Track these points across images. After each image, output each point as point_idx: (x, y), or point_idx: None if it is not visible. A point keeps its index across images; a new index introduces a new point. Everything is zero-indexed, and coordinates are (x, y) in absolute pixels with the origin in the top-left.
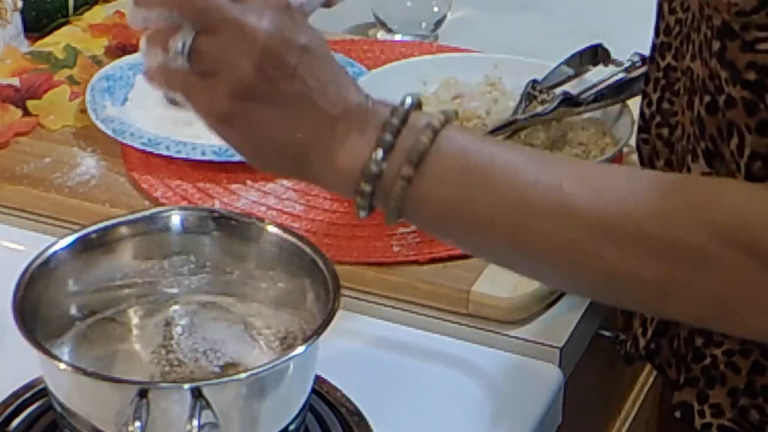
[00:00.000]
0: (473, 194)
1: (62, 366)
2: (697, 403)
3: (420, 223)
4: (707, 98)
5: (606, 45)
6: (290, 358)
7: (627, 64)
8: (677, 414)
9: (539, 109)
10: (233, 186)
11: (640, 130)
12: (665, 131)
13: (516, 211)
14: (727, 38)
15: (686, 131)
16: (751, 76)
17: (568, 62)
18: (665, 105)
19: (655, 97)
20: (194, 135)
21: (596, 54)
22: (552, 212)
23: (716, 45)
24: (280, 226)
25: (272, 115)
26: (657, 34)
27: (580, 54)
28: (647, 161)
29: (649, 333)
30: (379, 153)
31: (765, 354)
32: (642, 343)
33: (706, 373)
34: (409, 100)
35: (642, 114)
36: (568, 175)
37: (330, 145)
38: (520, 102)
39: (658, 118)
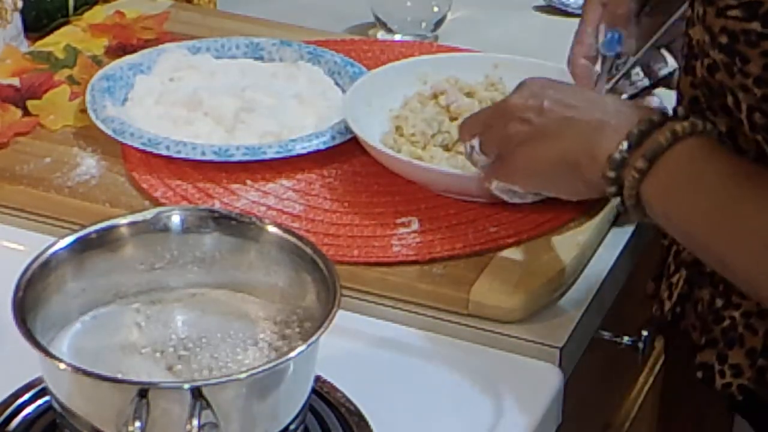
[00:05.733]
0: (684, 199)
1: (62, 366)
2: (718, 364)
3: (651, 216)
4: (707, 60)
5: None
6: (290, 358)
7: None
8: (699, 374)
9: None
10: (233, 186)
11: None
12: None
13: (707, 230)
14: (707, 4)
15: (687, 95)
16: (724, 39)
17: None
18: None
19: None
20: (194, 135)
21: None
22: (735, 239)
23: (700, 11)
24: (280, 226)
25: (546, 145)
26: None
27: None
28: None
29: (675, 297)
30: (625, 144)
31: None
32: (667, 306)
33: (725, 335)
34: (668, 113)
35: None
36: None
37: (593, 145)
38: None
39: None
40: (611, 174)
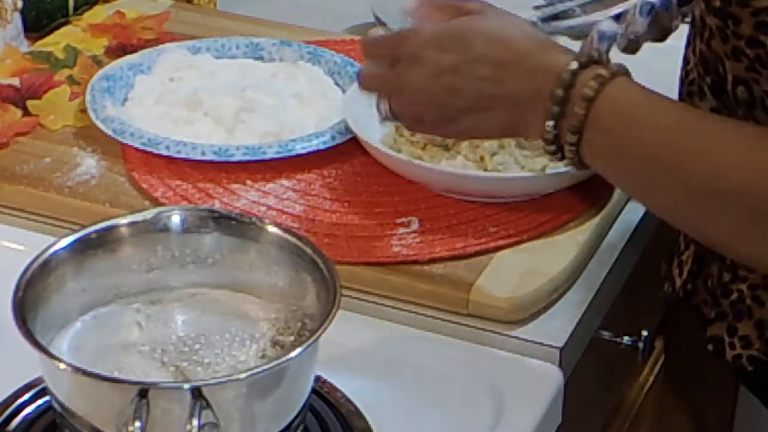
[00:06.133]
0: (620, 157)
1: (62, 366)
2: (728, 336)
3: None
4: (706, 33)
5: None
6: (290, 359)
7: None
8: (709, 347)
9: None
10: (233, 186)
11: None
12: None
13: (649, 173)
14: None
15: (690, 75)
16: (717, 3)
17: None
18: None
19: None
20: (194, 135)
21: None
22: (678, 183)
23: None
24: (280, 226)
25: (476, 119)
26: None
27: None
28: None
29: (685, 274)
30: (550, 123)
31: None
32: (678, 283)
33: (734, 308)
34: (574, 65)
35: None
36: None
37: (520, 123)
38: None
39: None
40: (550, 148)
